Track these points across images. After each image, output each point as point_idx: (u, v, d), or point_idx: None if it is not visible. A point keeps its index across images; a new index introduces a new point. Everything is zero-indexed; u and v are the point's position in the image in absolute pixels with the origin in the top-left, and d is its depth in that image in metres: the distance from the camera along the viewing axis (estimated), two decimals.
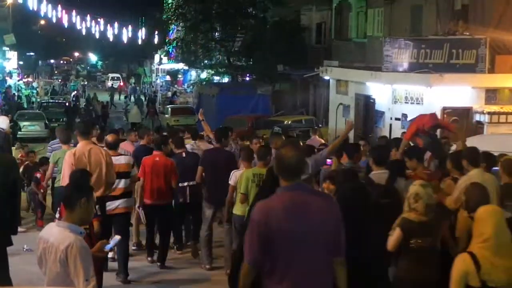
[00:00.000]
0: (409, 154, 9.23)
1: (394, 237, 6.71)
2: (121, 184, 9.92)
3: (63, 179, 9.18)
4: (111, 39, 49.60)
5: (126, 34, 49.05)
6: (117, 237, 6.05)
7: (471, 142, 11.21)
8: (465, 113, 21.08)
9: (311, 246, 4.91)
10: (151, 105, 44.31)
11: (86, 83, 70.13)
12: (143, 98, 53.00)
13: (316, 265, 4.94)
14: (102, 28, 48.39)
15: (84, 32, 49.73)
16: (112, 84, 70.22)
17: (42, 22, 79.44)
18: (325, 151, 9.63)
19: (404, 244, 6.70)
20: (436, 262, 6.79)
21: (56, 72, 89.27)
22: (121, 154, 10.37)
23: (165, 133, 15.25)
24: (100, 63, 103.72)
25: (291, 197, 4.97)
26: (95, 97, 50.53)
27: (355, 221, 6.04)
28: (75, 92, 57.28)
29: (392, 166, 8.58)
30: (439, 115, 20.90)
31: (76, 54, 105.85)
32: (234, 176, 9.79)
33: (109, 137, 10.33)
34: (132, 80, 72.68)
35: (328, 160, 10.15)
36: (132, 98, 62.19)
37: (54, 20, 46.09)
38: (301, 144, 11.94)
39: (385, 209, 7.13)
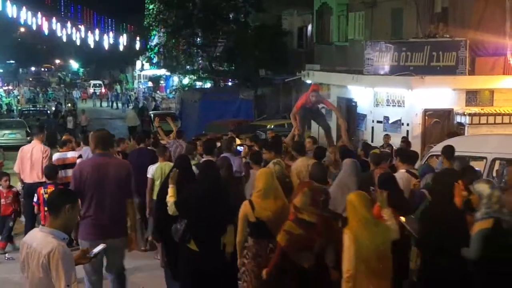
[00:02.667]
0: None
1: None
2: (69, 173, 11.39)
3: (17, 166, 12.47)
4: (92, 46, 49.41)
5: (108, 41, 48.91)
6: (101, 245, 6.07)
7: (451, 142, 11.27)
8: (446, 115, 21.21)
9: (108, 189, 7.75)
10: (146, 113, 44.25)
11: (69, 91, 69.55)
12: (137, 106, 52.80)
13: (111, 201, 7.78)
14: (83, 35, 48.23)
15: (65, 39, 49.52)
16: (94, 91, 69.95)
17: (22, 29, 79.20)
18: None
19: None
20: None
21: (31, 79, 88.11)
22: (70, 150, 13.10)
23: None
24: (81, 70, 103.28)
25: (98, 159, 7.95)
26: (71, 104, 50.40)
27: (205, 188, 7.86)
28: (54, 100, 57.01)
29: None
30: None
31: (57, 61, 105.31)
32: (151, 170, 11.22)
33: (63, 137, 13.67)
34: (118, 87, 72.34)
35: (240, 148, 13.08)
36: (115, 104, 62.06)
37: (34, 27, 45.85)
38: None
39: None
